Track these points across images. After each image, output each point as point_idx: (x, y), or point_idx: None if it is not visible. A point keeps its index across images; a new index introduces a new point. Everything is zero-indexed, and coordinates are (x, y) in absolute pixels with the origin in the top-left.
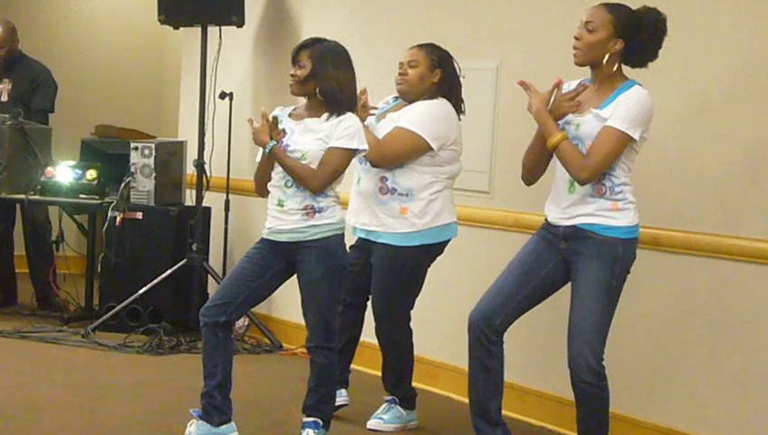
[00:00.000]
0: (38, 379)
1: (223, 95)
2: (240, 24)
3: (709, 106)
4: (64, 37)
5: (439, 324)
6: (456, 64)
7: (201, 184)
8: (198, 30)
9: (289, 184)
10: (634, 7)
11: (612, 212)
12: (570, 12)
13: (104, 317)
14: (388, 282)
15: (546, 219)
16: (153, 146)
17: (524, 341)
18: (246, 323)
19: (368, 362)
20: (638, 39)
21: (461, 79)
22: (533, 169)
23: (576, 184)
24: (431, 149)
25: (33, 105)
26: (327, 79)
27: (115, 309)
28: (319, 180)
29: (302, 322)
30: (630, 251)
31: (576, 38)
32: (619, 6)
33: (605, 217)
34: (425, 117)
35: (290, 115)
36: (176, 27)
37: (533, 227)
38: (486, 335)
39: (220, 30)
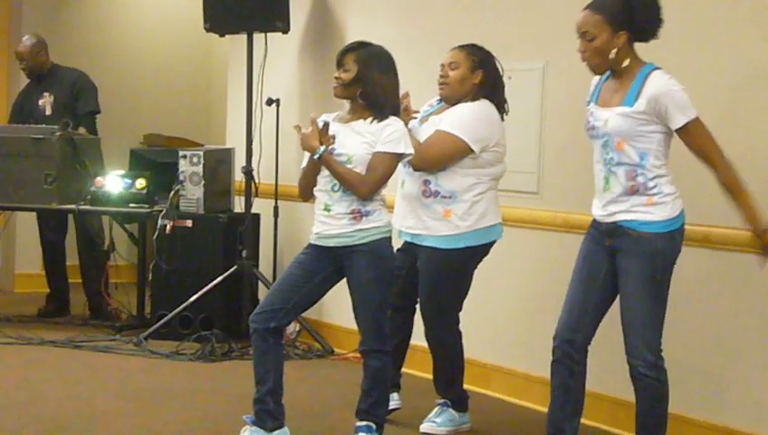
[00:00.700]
0: (92, 388)
1: (270, 101)
2: (285, 30)
3: (758, 100)
4: (111, 48)
5: (490, 326)
6: (498, 64)
7: (250, 191)
8: (244, 37)
9: (336, 188)
10: None
11: (648, 207)
12: None
13: (156, 325)
14: (435, 285)
15: (594, 217)
16: (201, 154)
17: None
18: (297, 329)
19: (419, 365)
20: (636, 20)
21: (506, 79)
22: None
23: (611, 181)
24: (473, 151)
25: (79, 110)
26: (371, 83)
27: (167, 317)
28: (368, 186)
29: (353, 326)
30: (672, 243)
31: (581, 51)
32: (605, 2)
33: (642, 213)
34: (466, 119)
35: (333, 119)
36: (222, 35)
37: (583, 227)
38: (570, 355)
39: (266, 36)
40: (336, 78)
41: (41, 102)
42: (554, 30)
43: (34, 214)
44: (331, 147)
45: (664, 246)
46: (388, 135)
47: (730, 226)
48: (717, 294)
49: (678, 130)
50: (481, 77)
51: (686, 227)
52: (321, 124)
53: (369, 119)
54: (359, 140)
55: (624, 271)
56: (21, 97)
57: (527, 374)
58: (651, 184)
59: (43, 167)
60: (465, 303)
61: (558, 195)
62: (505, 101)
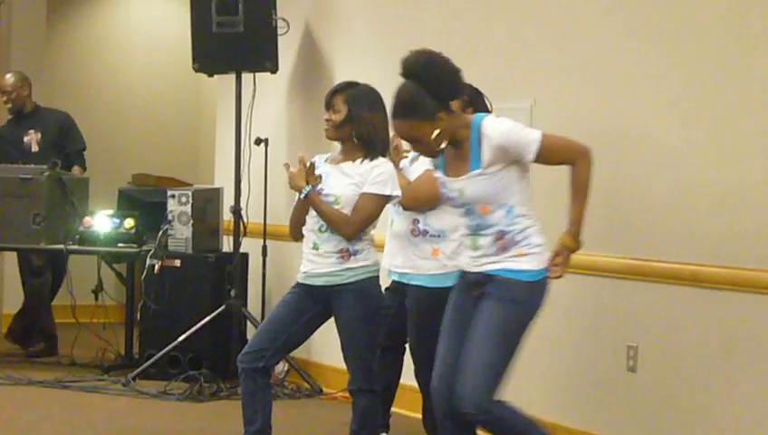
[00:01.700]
0: (79, 428)
1: (258, 141)
2: (274, 70)
3: (747, 142)
4: (100, 87)
5: None
6: (487, 101)
7: (238, 230)
8: (233, 77)
9: (323, 229)
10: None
11: (518, 258)
12: (603, 51)
13: (144, 365)
14: (424, 324)
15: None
16: (190, 193)
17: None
18: (286, 368)
19: (408, 404)
20: (443, 95)
21: None
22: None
23: (479, 242)
24: None
25: (71, 149)
26: (362, 122)
27: (155, 357)
28: (353, 227)
29: (342, 365)
30: (534, 296)
31: (414, 150)
32: (409, 102)
33: (510, 262)
34: None
35: (326, 160)
36: (210, 75)
37: (572, 266)
38: (453, 407)
39: (254, 76)
40: (327, 120)
41: (26, 139)
42: (542, 69)
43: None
44: (318, 187)
45: (526, 297)
46: (375, 176)
47: (719, 264)
48: (706, 333)
49: (536, 159)
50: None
51: (667, 266)
52: (308, 164)
53: (359, 160)
54: (346, 181)
55: (479, 312)
56: (1, 133)
57: None
58: (519, 237)
59: (31, 206)
60: None
61: (546, 233)
62: None
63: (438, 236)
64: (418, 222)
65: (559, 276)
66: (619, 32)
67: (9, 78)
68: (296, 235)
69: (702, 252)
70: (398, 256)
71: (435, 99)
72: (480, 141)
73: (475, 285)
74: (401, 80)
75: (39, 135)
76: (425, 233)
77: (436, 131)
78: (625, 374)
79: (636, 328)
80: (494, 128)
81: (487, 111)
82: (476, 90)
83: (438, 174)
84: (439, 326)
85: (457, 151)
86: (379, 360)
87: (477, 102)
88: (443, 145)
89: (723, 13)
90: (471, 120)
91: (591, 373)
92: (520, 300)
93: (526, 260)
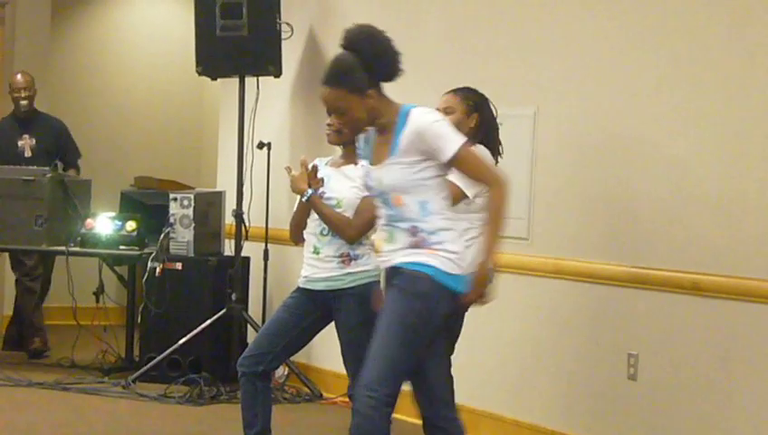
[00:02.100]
0: (79, 431)
1: (261, 145)
2: (277, 74)
3: (749, 151)
4: (103, 90)
5: (479, 372)
6: (492, 107)
7: (240, 234)
8: (236, 80)
9: (325, 232)
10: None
11: (429, 255)
12: (606, 59)
13: (145, 368)
14: None
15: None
16: (192, 197)
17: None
18: (286, 373)
19: (407, 410)
20: (377, 72)
21: (498, 124)
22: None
23: (394, 235)
24: (467, 196)
25: (69, 158)
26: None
27: (155, 360)
28: (355, 230)
29: (342, 370)
30: (440, 294)
31: (338, 126)
32: (342, 71)
33: (420, 256)
34: None
35: (327, 164)
36: (213, 78)
37: (573, 274)
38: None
39: (258, 80)
40: (329, 124)
41: (20, 143)
42: (546, 76)
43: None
44: (320, 190)
45: (429, 292)
46: None
47: (719, 273)
48: (706, 342)
49: (450, 162)
50: (476, 121)
51: (668, 274)
52: (310, 167)
53: (361, 163)
54: (348, 184)
55: (385, 304)
56: None
57: (516, 420)
58: (434, 239)
59: (33, 208)
60: (456, 348)
61: (548, 241)
62: (500, 143)
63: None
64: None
65: (473, 301)
66: (623, 40)
67: (26, 76)
68: (297, 238)
69: (703, 260)
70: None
71: (369, 75)
72: (403, 129)
73: (387, 280)
74: (406, 84)
75: (33, 141)
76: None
77: (370, 110)
78: (625, 382)
79: (636, 336)
80: (419, 116)
81: (492, 116)
82: (482, 95)
83: (365, 163)
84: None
85: (383, 138)
86: None
87: (482, 107)
88: (367, 125)
89: (725, 22)
90: (400, 106)
91: (592, 381)
92: (423, 294)
93: (435, 258)
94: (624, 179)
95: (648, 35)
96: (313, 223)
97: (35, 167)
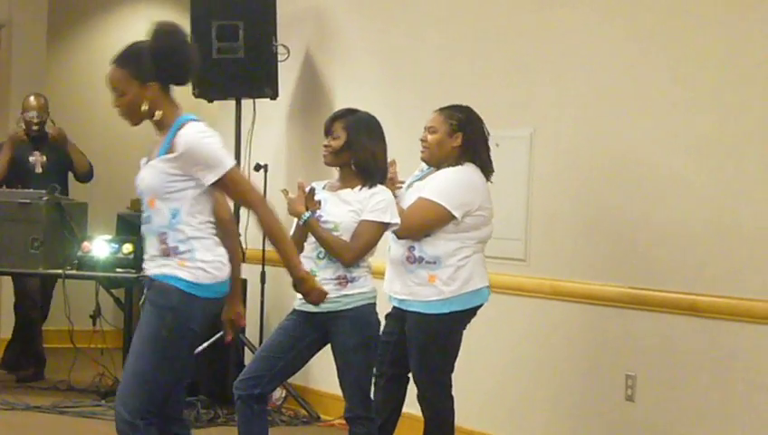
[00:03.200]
0: None
1: (257, 167)
2: (274, 96)
3: (747, 173)
4: (99, 111)
5: (477, 392)
6: (482, 125)
7: None
8: (233, 103)
9: (321, 256)
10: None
11: (179, 266)
12: (603, 79)
13: None
14: (424, 350)
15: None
16: None
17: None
18: (284, 395)
19: (407, 432)
20: (164, 69)
21: (493, 146)
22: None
23: (149, 239)
24: (455, 217)
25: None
26: (361, 149)
27: None
28: (352, 253)
29: (340, 392)
30: (189, 305)
31: (115, 106)
32: (132, 54)
33: (169, 269)
34: (446, 186)
35: (324, 187)
36: (210, 101)
37: (571, 295)
38: None
39: (254, 103)
40: (325, 146)
41: (32, 160)
42: (542, 97)
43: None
44: (317, 213)
45: (179, 305)
46: (375, 204)
47: (717, 294)
48: (704, 362)
49: (217, 183)
50: (461, 140)
51: (666, 295)
52: (308, 190)
53: (358, 187)
54: (345, 209)
55: (141, 318)
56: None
57: None
58: (183, 248)
59: (29, 231)
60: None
61: (545, 262)
62: (490, 161)
63: (434, 262)
64: (414, 249)
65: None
66: (620, 61)
67: (39, 100)
68: None
69: (700, 282)
70: (396, 281)
71: (156, 69)
72: (174, 138)
73: (148, 289)
74: (402, 106)
75: (44, 158)
76: (420, 260)
77: (145, 102)
78: (623, 403)
79: (634, 357)
80: (191, 130)
81: (481, 134)
82: (471, 112)
83: (144, 159)
84: (439, 352)
85: (158, 138)
86: (383, 388)
87: (468, 126)
88: (141, 115)
89: (723, 43)
90: (179, 115)
91: (590, 402)
92: (173, 307)
93: (185, 269)
94: (621, 201)
95: (645, 57)
96: (310, 246)
97: (42, 186)
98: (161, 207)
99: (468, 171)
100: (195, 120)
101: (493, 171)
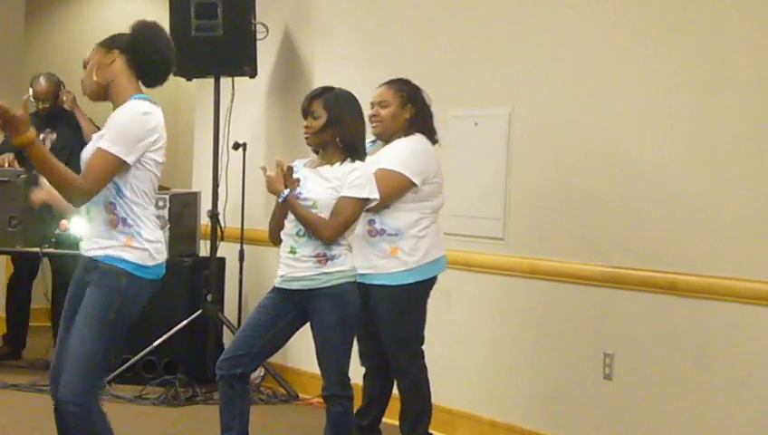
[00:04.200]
0: (53, 432)
1: (236, 145)
2: (253, 74)
3: (724, 152)
4: (77, 90)
5: (456, 372)
6: (425, 96)
7: (215, 234)
8: (211, 81)
9: (301, 233)
10: None
11: (124, 247)
12: (581, 58)
13: (120, 369)
14: (393, 321)
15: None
16: (167, 197)
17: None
18: (262, 374)
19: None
20: (142, 56)
21: (472, 126)
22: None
23: (90, 213)
24: (415, 185)
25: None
26: (344, 125)
27: (131, 361)
28: (332, 230)
29: (318, 371)
30: (134, 287)
31: (306, 126)
32: (114, 35)
33: (116, 250)
34: (404, 154)
35: (305, 165)
36: (189, 78)
37: (549, 274)
38: None
39: (233, 81)
40: (306, 127)
41: (41, 136)
42: (521, 76)
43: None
44: (296, 190)
45: (129, 288)
46: (354, 179)
47: (694, 273)
48: (682, 341)
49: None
50: (411, 111)
51: (643, 274)
52: (286, 168)
53: (337, 163)
54: (324, 185)
55: (84, 300)
56: None
57: (492, 421)
58: (130, 221)
59: (7, 209)
60: (431, 348)
61: (523, 241)
62: (435, 131)
63: (396, 234)
64: (374, 222)
65: None
66: (599, 40)
67: (48, 84)
68: (275, 239)
69: (678, 260)
70: (357, 257)
71: (126, 46)
72: (111, 118)
73: (86, 270)
74: (378, 84)
75: (54, 135)
76: (382, 232)
77: (113, 79)
78: (601, 382)
79: (612, 336)
80: (121, 109)
81: (426, 105)
82: (415, 85)
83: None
84: (408, 321)
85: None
86: (370, 372)
87: (416, 98)
88: (101, 89)
89: (699, 24)
90: (131, 96)
91: (568, 381)
92: (121, 290)
93: (130, 251)
94: (599, 179)
95: (623, 37)
96: (290, 223)
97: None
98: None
99: (422, 140)
100: (142, 98)
101: (438, 140)
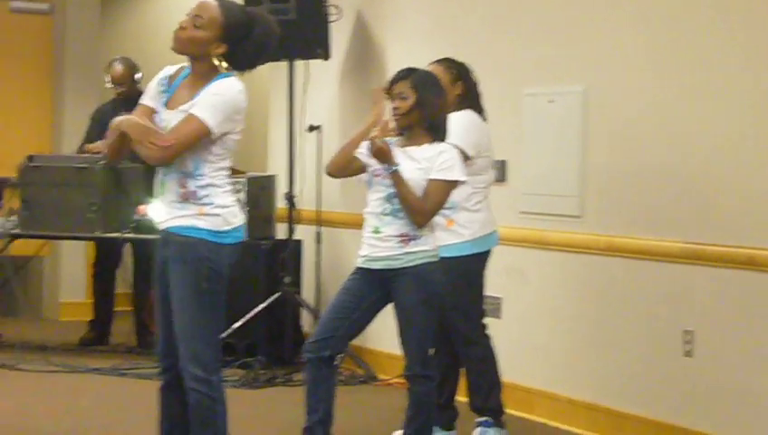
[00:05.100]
0: (137, 415)
1: (311, 128)
2: (326, 57)
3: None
4: (151, 75)
5: (533, 351)
6: (472, 75)
7: (292, 217)
8: (285, 64)
9: (386, 212)
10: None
11: (199, 216)
12: (655, 34)
13: None
14: (455, 292)
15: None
16: (244, 181)
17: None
18: (341, 355)
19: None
20: (243, 46)
21: (547, 103)
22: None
23: (165, 187)
24: (469, 157)
25: None
26: (431, 106)
27: None
28: (426, 215)
29: (397, 351)
30: (218, 253)
31: (181, 27)
32: (232, 7)
33: (190, 220)
34: (458, 128)
35: (393, 144)
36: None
37: (626, 251)
38: None
39: (307, 64)
40: (395, 108)
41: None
42: (595, 52)
43: (80, 242)
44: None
45: (210, 255)
46: (442, 162)
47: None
48: (762, 317)
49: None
50: (461, 88)
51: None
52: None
53: (425, 145)
54: (413, 166)
55: (171, 279)
56: (100, 114)
57: (570, 399)
58: (202, 193)
59: (86, 195)
60: (508, 327)
61: (600, 218)
62: (483, 109)
63: (451, 207)
64: None
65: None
66: (674, 17)
67: (123, 68)
68: (336, 172)
69: (758, 235)
70: None
71: (236, 41)
72: (208, 87)
73: (163, 245)
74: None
75: None
76: None
77: (210, 56)
78: (681, 359)
79: (692, 313)
80: (220, 86)
81: (475, 84)
82: (463, 64)
83: (159, 102)
84: (467, 291)
85: (191, 83)
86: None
87: (465, 76)
88: (197, 51)
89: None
90: (220, 73)
91: (647, 359)
92: (203, 258)
93: (204, 219)
94: (676, 155)
95: (696, 14)
96: (376, 202)
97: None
98: (184, 155)
99: (473, 115)
100: (231, 76)
101: (486, 118)
